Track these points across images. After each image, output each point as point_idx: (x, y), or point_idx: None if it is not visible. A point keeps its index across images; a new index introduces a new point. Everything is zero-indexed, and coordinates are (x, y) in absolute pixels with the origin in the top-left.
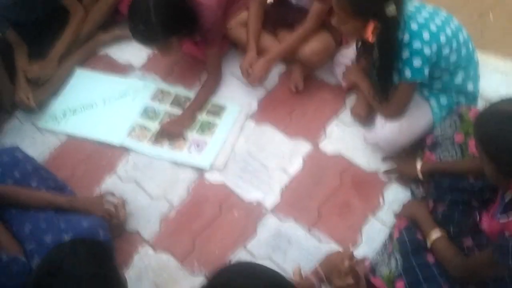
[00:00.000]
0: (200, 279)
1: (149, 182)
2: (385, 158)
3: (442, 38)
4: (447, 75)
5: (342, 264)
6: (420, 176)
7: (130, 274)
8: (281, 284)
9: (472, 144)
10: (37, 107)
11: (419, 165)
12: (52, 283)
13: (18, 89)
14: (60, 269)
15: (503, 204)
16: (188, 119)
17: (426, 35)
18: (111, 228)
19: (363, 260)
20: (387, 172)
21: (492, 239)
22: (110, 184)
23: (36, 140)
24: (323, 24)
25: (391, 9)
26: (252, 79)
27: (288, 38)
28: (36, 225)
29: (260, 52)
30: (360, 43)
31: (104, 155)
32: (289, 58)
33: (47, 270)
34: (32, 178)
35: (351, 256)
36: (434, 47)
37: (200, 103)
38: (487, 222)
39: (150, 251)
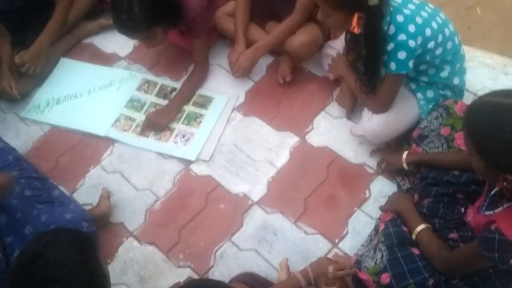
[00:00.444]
0: (186, 271)
1: (135, 174)
2: (372, 152)
3: (428, 31)
4: (432, 69)
5: (329, 269)
6: (405, 166)
7: (114, 266)
8: None
9: (458, 137)
10: (19, 96)
11: (404, 155)
12: (33, 270)
13: (1, 78)
14: (41, 256)
15: (489, 197)
16: (174, 110)
17: (411, 28)
18: (95, 219)
19: (353, 272)
20: (377, 165)
21: (477, 232)
22: (95, 175)
23: (19, 130)
24: (311, 16)
25: None
26: (237, 70)
27: (276, 30)
28: (14, 218)
29: (248, 44)
30: (348, 36)
31: (89, 146)
32: (277, 49)
33: (29, 256)
34: (13, 168)
35: (341, 266)
36: (419, 39)
37: (186, 94)
38: (472, 215)
39: (135, 243)
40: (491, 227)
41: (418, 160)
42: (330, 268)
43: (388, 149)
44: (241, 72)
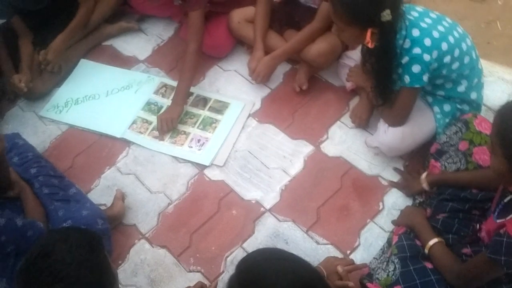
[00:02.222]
0: (196, 276)
1: (149, 176)
2: (396, 169)
3: (444, 45)
4: (449, 83)
5: (338, 268)
6: (426, 187)
7: (125, 267)
8: (309, 273)
9: (476, 152)
10: (26, 89)
11: (423, 176)
12: (41, 267)
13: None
14: (50, 254)
15: (501, 204)
16: (181, 101)
17: (427, 42)
18: (108, 220)
19: (361, 266)
20: (392, 184)
21: (488, 240)
22: (110, 176)
23: (37, 129)
24: (330, 26)
25: (385, 14)
26: (256, 76)
27: (295, 37)
28: None
29: (266, 51)
30: (364, 48)
31: (105, 147)
32: (295, 58)
33: (38, 253)
34: (32, 165)
35: (348, 262)
36: (435, 53)
37: (187, 80)
38: (486, 229)
39: (146, 245)
40: (501, 231)
41: (437, 181)
42: (339, 268)
43: (407, 172)
44: (260, 78)
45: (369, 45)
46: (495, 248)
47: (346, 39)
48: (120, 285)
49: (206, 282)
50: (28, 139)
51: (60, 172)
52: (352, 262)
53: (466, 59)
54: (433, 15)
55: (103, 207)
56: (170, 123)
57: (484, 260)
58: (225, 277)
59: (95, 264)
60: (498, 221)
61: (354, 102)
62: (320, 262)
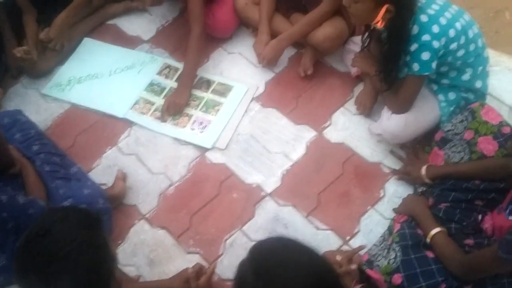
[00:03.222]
0: (195, 257)
1: (150, 157)
2: (392, 152)
3: (451, 32)
4: (454, 72)
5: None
6: (427, 181)
7: (125, 247)
8: (324, 268)
9: (481, 141)
10: (36, 58)
11: (423, 170)
12: (39, 246)
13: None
14: (48, 233)
15: None
16: (188, 86)
17: (435, 28)
18: (109, 199)
19: (358, 249)
20: (393, 171)
21: (497, 236)
22: (111, 156)
23: (39, 107)
24: (338, 10)
25: None
26: (262, 59)
27: (302, 20)
28: None
29: (272, 34)
30: (366, 31)
31: (107, 127)
32: (301, 41)
33: (36, 232)
34: (34, 142)
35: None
36: (443, 40)
37: (193, 65)
38: (490, 222)
39: (146, 225)
40: None
41: (438, 174)
42: (338, 256)
43: (410, 161)
44: (266, 62)
45: (378, 25)
46: (508, 247)
47: (357, 13)
48: (119, 265)
49: (205, 264)
50: (30, 117)
51: (61, 150)
52: (348, 250)
53: (472, 47)
54: (439, 1)
55: (104, 187)
56: (177, 108)
57: (494, 257)
58: (223, 260)
59: (93, 244)
60: (510, 218)
61: (359, 88)
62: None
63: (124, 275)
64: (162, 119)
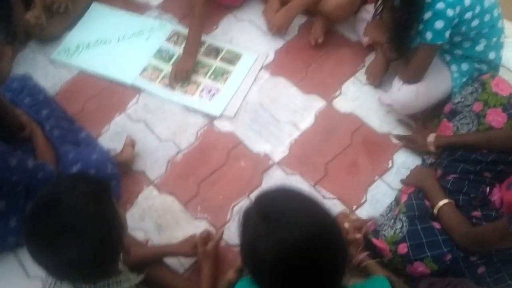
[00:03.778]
0: (202, 223)
1: (159, 124)
2: (400, 121)
3: (466, 1)
4: (467, 42)
5: (345, 225)
6: (432, 149)
7: (133, 212)
8: (326, 219)
9: (490, 113)
10: (45, 24)
11: (431, 137)
12: (48, 216)
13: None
14: (57, 202)
15: None
16: (193, 51)
17: None
18: (117, 165)
19: (368, 220)
20: (398, 137)
21: (507, 210)
22: (120, 122)
23: (48, 72)
24: None
25: None
26: (272, 26)
27: None
28: None
29: (282, 2)
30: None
31: (115, 93)
32: (311, 10)
33: (45, 201)
34: (43, 107)
35: (354, 219)
36: (458, 9)
37: (197, 27)
38: (499, 194)
39: (154, 192)
40: None
41: (446, 143)
42: (346, 224)
43: (417, 128)
44: (276, 29)
45: None
46: None
47: None
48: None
49: (212, 230)
50: (39, 82)
51: (70, 115)
52: (353, 215)
53: (487, 17)
54: None
55: (112, 153)
56: (184, 74)
57: (505, 231)
58: (231, 226)
59: (102, 214)
60: None
61: (370, 58)
62: None
63: (133, 240)
64: (171, 86)
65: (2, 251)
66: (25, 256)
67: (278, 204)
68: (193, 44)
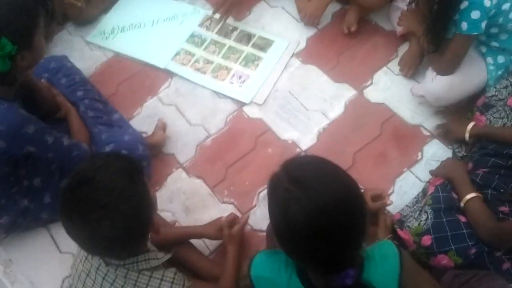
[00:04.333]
0: (229, 207)
1: (189, 108)
2: (437, 112)
3: None
4: (504, 34)
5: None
6: (467, 137)
7: (162, 193)
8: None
9: None
10: (83, 7)
11: (470, 125)
12: (82, 193)
13: None
14: (92, 179)
15: None
16: None
17: None
18: (149, 146)
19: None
20: (437, 127)
21: None
22: (152, 105)
23: (84, 54)
24: None
25: None
26: (304, 15)
27: None
28: None
29: None
30: None
31: (148, 77)
32: None
33: (80, 179)
34: (79, 88)
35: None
36: None
37: None
38: None
39: (183, 174)
40: None
41: (482, 133)
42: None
43: (454, 117)
44: (308, 19)
45: None
46: None
47: None
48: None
49: (238, 214)
50: (75, 63)
51: (104, 97)
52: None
53: None
54: None
55: (144, 135)
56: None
57: None
58: (256, 211)
59: (134, 193)
60: None
61: (404, 48)
62: None
63: (161, 220)
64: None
65: (35, 227)
66: (57, 232)
67: (308, 168)
68: None
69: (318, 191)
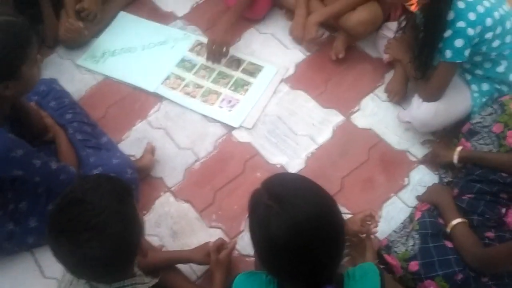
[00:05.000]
0: (217, 232)
1: (178, 132)
2: (424, 142)
3: (488, 21)
4: (488, 63)
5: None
6: (456, 159)
7: (150, 217)
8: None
9: (510, 135)
10: (87, 32)
11: (459, 148)
12: (72, 214)
13: (67, 20)
14: (82, 200)
15: None
16: (228, 22)
17: (471, 16)
18: (137, 170)
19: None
20: (424, 156)
21: None
22: (141, 129)
23: (74, 77)
24: None
25: None
26: (302, 40)
27: (337, 2)
28: None
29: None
30: (402, 16)
31: (138, 100)
32: (333, 25)
33: (70, 199)
34: (67, 111)
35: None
36: (478, 28)
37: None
38: None
39: (171, 198)
40: None
41: (470, 157)
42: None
43: (440, 142)
44: (308, 40)
45: (412, 8)
46: None
47: None
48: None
49: (226, 238)
50: (65, 86)
51: (93, 120)
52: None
53: (508, 38)
54: None
55: (132, 158)
56: (221, 50)
57: None
58: (244, 236)
59: (124, 214)
60: None
61: (390, 75)
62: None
63: (148, 244)
64: (208, 59)
65: (20, 251)
66: (42, 256)
67: (288, 185)
68: (228, 14)
69: (298, 206)
